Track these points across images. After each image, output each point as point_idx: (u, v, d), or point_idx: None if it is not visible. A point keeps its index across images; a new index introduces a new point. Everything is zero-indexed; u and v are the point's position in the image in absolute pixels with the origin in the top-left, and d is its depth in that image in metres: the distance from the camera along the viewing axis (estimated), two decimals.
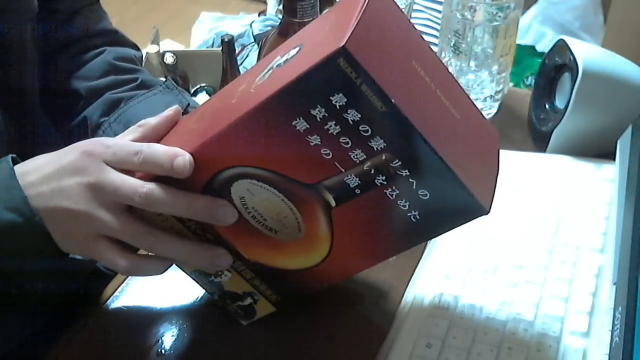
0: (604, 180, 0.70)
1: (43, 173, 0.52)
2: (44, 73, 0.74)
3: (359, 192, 0.47)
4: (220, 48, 1.51)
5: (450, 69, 0.82)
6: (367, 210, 0.49)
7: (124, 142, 0.52)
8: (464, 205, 0.47)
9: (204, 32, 2.10)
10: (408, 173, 0.46)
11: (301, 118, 0.44)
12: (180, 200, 0.50)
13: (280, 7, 1.37)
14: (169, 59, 1.61)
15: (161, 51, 1.66)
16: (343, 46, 0.41)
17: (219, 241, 0.52)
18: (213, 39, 1.95)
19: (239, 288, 0.57)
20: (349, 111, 0.44)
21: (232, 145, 0.47)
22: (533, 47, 1.84)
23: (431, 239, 0.64)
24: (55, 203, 0.51)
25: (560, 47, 0.76)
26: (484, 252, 0.63)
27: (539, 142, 0.77)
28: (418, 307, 0.59)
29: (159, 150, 0.50)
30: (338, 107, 0.43)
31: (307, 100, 0.44)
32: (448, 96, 0.50)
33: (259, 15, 2.12)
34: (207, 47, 1.94)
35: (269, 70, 0.48)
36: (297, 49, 0.47)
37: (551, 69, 0.78)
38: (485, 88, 0.82)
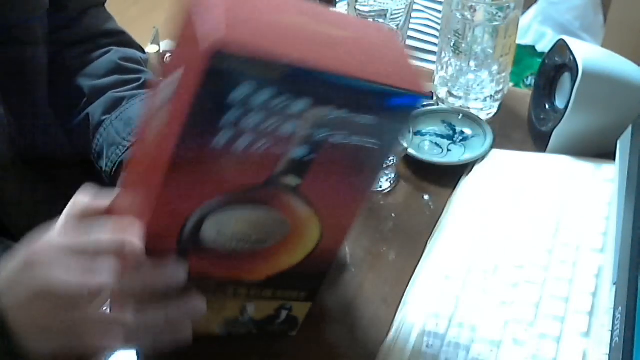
0: (604, 180, 0.70)
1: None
2: (49, 70, 0.75)
3: (311, 156, 0.46)
4: None
5: (450, 69, 0.82)
6: (331, 166, 0.48)
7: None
8: (403, 101, 0.46)
9: None
10: (342, 112, 0.45)
11: (214, 137, 0.43)
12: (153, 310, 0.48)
13: None
14: (169, 59, 1.61)
15: (161, 51, 1.66)
16: (210, 53, 0.39)
17: (221, 282, 0.52)
18: None
19: (269, 310, 0.56)
20: (253, 98, 0.42)
21: (173, 204, 0.46)
22: (533, 47, 1.84)
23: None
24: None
25: (560, 47, 0.76)
26: (484, 252, 0.63)
27: (539, 142, 0.77)
28: (418, 307, 0.59)
29: (104, 242, 0.47)
30: (241, 102, 0.42)
31: (209, 120, 0.42)
32: (333, 24, 0.48)
33: None
34: None
35: (158, 113, 0.46)
36: (175, 77, 0.46)
37: (551, 69, 0.78)
38: (485, 88, 0.82)
